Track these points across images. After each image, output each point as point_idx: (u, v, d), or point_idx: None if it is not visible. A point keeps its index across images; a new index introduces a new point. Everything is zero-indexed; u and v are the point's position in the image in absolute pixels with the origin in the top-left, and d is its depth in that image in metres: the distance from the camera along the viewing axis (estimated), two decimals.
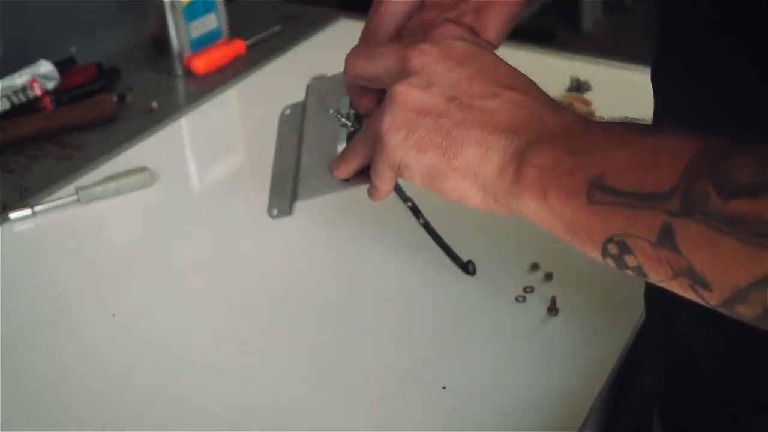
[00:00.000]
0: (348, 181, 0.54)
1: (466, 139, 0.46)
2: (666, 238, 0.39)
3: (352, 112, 0.55)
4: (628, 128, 0.44)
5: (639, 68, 1.08)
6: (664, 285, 0.41)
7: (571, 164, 0.43)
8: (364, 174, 0.53)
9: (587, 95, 1.01)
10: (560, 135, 0.45)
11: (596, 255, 0.43)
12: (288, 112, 0.63)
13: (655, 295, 0.60)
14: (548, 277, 0.74)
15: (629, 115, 0.97)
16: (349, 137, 0.55)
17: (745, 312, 0.38)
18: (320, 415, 0.63)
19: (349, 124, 0.55)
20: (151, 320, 0.73)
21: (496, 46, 0.57)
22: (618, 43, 2.64)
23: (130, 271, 0.79)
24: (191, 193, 0.94)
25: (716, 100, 0.54)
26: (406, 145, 0.47)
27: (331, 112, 0.56)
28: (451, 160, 0.46)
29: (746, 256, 0.37)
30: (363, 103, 0.55)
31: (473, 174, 0.46)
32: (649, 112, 1.07)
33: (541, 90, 0.50)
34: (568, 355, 0.67)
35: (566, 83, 1.04)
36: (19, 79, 1.03)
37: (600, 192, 0.42)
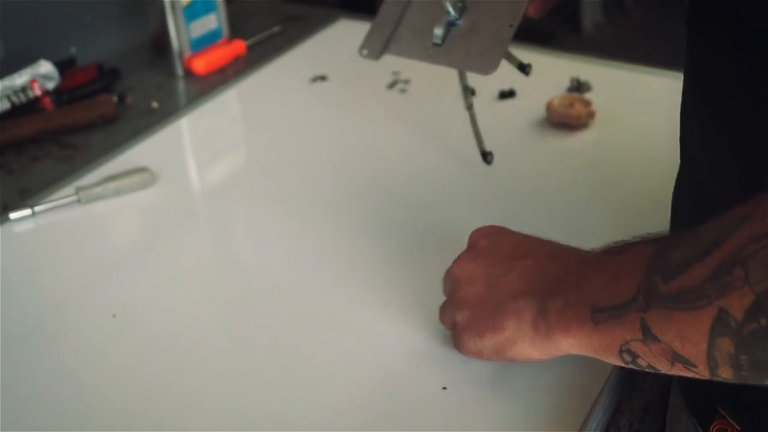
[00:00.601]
0: (435, 58, 0.70)
1: (503, 313, 0.58)
2: (647, 332, 0.47)
3: (459, 5, 0.70)
4: (607, 251, 0.53)
5: (639, 68, 1.09)
6: (674, 373, 0.48)
7: (574, 300, 0.53)
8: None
9: (588, 95, 1.02)
10: (563, 278, 0.55)
11: (619, 364, 0.52)
12: None
13: None
14: None
15: (629, 116, 0.98)
16: (448, 25, 0.70)
17: (727, 376, 0.44)
18: (319, 416, 0.63)
19: (453, 12, 0.70)
20: (151, 320, 0.73)
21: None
22: (617, 44, 2.64)
23: (131, 272, 0.79)
24: (192, 193, 0.94)
25: (706, 99, 0.54)
26: (473, 336, 0.61)
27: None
28: (501, 333, 0.59)
29: (693, 321, 0.44)
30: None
31: (521, 337, 0.58)
32: (647, 112, 1.08)
33: (549, 246, 0.61)
34: (569, 357, 0.67)
35: (566, 83, 1.04)
36: (19, 79, 1.03)
37: (598, 314, 0.51)
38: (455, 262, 0.64)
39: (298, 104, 1.07)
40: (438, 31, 0.70)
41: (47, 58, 1.06)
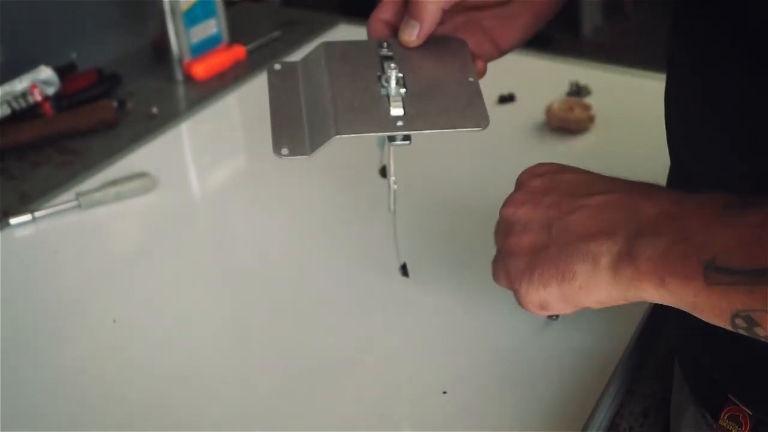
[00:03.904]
0: (407, 127, 0.60)
1: (573, 258, 0.50)
2: None
3: (401, 76, 0.62)
4: (724, 205, 0.46)
5: (639, 72, 1.09)
6: None
7: (680, 251, 0.45)
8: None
9: (587, 99, 1.02)
10: (660, 221, 0.47)
11: (727, 327, 0.46)
12: (278, 67, 0.66)
13: None
14: None
15: (628, 120, 0.97)
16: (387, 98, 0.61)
17: None
18: (320, 420, 0.63)
19: (394, 86, 0.61)
20: (151, 326, 0.73)
21: (507, 51, 0.66)
22: (617, 48, 2.64)
23: (131, 277, 0.79)
24: (191, 198, 0.94)
25: (690, 93, 0.54)
26: (533, 286, 0.51)
27: (379, 74, 0.62)
28: (572, 282, 0.50)
29: None
30: None
31: (595, 285, 0.49)
32: (647, 115, 1.07)
33: (626, 182, 0.52)
34: (569, 361, 0.67)
35: (566, 87, 1.05)
36: (20, 84, 1.04)
37: (716, 273, 0.44)
38: (504, 206, 0.55)
39: None
40: (398, 101, 0.61)
41: (47, 63, 1.07)
